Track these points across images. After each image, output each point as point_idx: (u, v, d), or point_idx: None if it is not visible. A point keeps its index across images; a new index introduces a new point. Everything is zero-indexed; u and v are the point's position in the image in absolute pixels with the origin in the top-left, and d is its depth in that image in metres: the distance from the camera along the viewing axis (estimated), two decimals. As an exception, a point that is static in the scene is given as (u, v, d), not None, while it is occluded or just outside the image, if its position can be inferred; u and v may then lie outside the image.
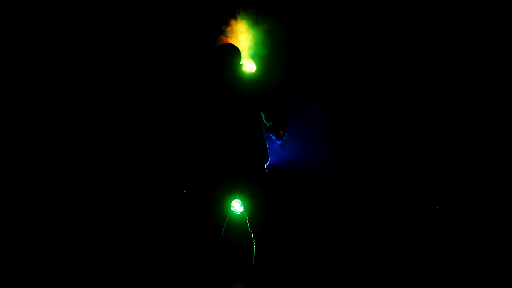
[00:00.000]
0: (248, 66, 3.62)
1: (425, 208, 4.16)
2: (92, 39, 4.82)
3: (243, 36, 3.82)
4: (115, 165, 4.84)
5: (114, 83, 4.97)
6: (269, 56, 4.22)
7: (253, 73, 2.90)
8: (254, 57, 3.96)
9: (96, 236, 4.01)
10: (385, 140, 4.86)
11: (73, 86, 4.78)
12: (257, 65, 3.78)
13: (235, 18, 4.05)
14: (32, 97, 4.57)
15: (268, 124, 2.69)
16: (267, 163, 2.68)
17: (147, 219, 4.32)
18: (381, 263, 3.59)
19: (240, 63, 2.75)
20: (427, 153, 4.53)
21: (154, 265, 3.50)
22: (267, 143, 2.73)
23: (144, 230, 4.20)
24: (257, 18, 4.13)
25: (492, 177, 3.77)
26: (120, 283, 3.20)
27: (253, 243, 2.65)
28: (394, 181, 4.74)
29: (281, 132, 2.66)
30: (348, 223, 4.38)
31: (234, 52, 2.70)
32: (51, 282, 3.15)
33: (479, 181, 3.83)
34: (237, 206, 3.30)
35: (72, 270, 3.33)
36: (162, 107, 4.85)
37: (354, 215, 4.54)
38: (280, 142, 2.72)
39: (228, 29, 3.96)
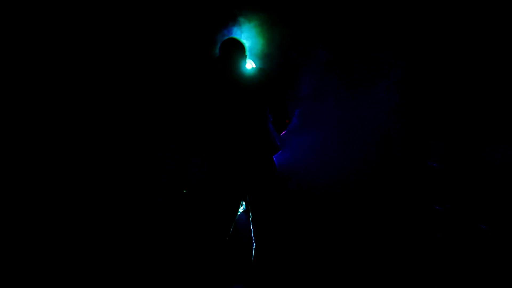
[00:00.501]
0: (249, 65, 3.63)
1: (425, 209, 4.16)
2: (97, 40, 4.82)
3: (245, 36, 3.84)
4: (119, 164, 4.84)
5: (119, 83, 4.98)
6: (270, 55, 4.24)
7: (255, 68, 2.89)
8: (255, 56, 3.97)
9: (99, 236, 4.00)
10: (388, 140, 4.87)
11: (80, 87, 4.79)
12: (257, 64, 3.79)
13: (237, 18, 4.07)
14: (34, 97, 4.57)
15: (272, 117, 2.69)
16: (277, 154, 2.67)
17: (151, 218, 4.32)
18: (382, 264, 3.59)
19: (245, 57, 2.74)
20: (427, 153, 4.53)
21: (159, 265, 3.50)
22: (276, 137, 2.72)
23: (148, 229, 4.20)
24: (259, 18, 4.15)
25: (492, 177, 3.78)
26: (124, 283, 3.20)
27: (254, 241, 2.63)
28: (396, 181, 4.74)
29: (287, 121, 2.67)
30: (350, 224, 4.38)
31: (239, 46, 2.69)
32: (51, 282, 3.15)
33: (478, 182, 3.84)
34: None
35: (75, 270, 3.33)
36: (167, 106, 4.86)
37: (357, 217, 4.53)
38: (281, 134, 2.72)
39: (230, 27, 3.98)
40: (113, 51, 4.90)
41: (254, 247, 2.62)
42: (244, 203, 3.53)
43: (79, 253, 3.63)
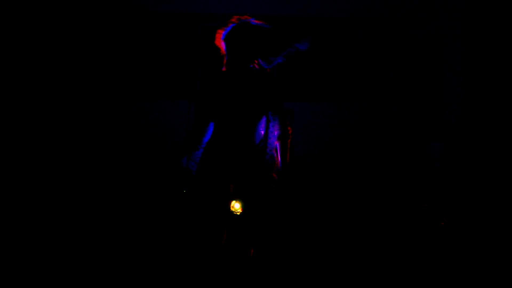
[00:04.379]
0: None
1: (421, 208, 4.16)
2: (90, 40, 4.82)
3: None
4: (116, 164, 4.84)
5: (118, 82, 4.99)
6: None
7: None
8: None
9: (94, 236, 4.01)
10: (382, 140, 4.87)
11: (72, 86, 4.79)
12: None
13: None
14: (29, 96, 4.57)
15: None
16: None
17: (147, 219, 4.33)
18: (380, 264, 3.59)
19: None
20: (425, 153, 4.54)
21: (154, 266, 3.50)
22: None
23: (144, 230, 4.21)
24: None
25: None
26: (120, 283, 3.20)
27: (251, 245, 2.63)
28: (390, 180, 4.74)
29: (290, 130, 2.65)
30: (349, 224, 4.38)
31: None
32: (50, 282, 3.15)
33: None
34: (237, 206, 3.28)
35: (71, 270, 3.33)
36: (162, 106, 4.86)
37: (354, 217, 4.54)
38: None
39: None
40: (113, 51, 4.90)
41: (251, 248, 2.62)
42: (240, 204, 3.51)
43: (76, 253, 3.64)
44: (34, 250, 3.61)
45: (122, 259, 3.61)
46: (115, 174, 4.85)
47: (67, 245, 3.77)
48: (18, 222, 3.90)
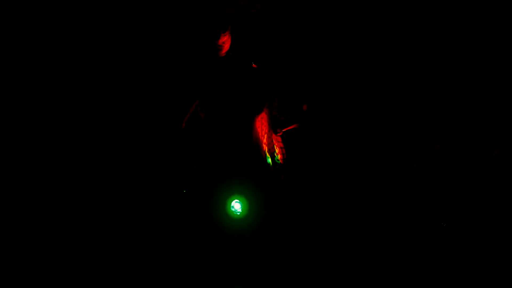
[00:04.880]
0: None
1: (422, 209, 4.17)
2: (92, 39, 4.81)
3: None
4: (116, 165, 4.83)
5: (113, 82, 4.98)
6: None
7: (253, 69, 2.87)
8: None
9: (94, 237, 4.00)
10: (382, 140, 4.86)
11: (72, 85, 4.78)
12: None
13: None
14: (30, 96, 4.57)
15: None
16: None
17: (147, 219, 4.32)
18: (380, 264, 3.59)
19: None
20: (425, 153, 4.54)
21: (153, 265, 3.50)
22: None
23: (143, 230, 4.20)
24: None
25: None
26: (123, 283, 3.20)
27: (250, 243, 2.63)
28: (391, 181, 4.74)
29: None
30: (349, 224, 4.38)
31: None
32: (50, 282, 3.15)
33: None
34: (237, 206, 3.29)
35: (71, 270, 3.33)
36: (163, 106, 4.85)
37: (353, 217, 4.53)
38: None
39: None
40: (111, 50, 4.88)
41: (250, 246, 2.62)
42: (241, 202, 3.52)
43: (78, 253, 3.64)
44: (34, 250, 3.61)
45: (122, 258, 3.61)
46: (115, 173, 4.84)
47: (66, 245, 3.77)
48: (18, 221, 3.90)
